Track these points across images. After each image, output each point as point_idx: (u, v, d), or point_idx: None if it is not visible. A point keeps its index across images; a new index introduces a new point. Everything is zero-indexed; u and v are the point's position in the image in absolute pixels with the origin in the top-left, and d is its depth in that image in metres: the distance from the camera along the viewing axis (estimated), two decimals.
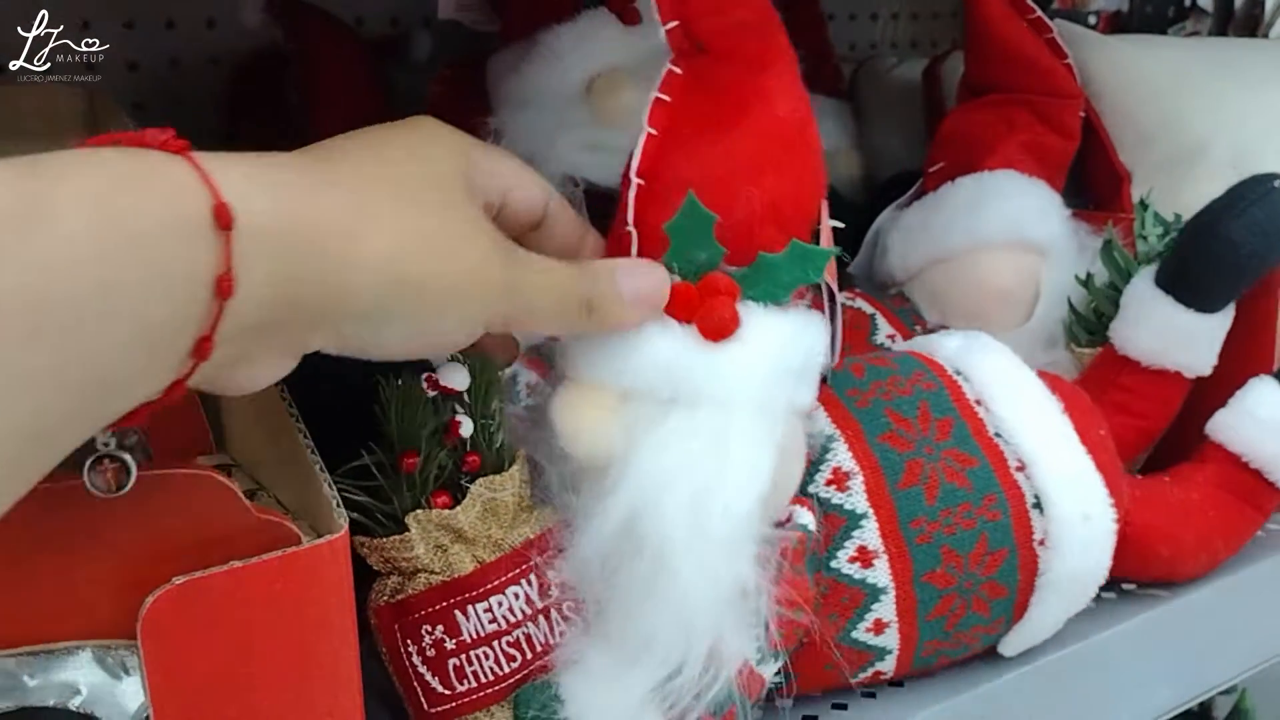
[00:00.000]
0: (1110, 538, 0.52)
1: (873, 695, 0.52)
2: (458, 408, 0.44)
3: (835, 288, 0.48)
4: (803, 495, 0.48)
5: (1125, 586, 0.60)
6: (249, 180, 0.30)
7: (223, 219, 0.29)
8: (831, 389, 0.51)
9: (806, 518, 0.47)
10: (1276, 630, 0.63)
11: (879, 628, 0.49)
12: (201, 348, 0.29)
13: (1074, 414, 0.53)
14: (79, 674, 0.34)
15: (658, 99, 0.43)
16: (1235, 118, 0.72)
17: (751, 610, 0.43)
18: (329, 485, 0.39)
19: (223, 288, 0.29)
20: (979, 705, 0.51)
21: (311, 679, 0.37)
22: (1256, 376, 0.62)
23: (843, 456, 0.49)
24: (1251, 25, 1.16)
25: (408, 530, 0.43)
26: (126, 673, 0.35)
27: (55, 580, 0.34)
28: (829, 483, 0.49)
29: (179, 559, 0.34)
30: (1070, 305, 0.66)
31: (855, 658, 0.50)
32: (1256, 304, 0.64)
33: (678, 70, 0.43)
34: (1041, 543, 0.50)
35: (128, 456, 0.34)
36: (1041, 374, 0.55)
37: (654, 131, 0.43)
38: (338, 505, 0.38)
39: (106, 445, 0.33)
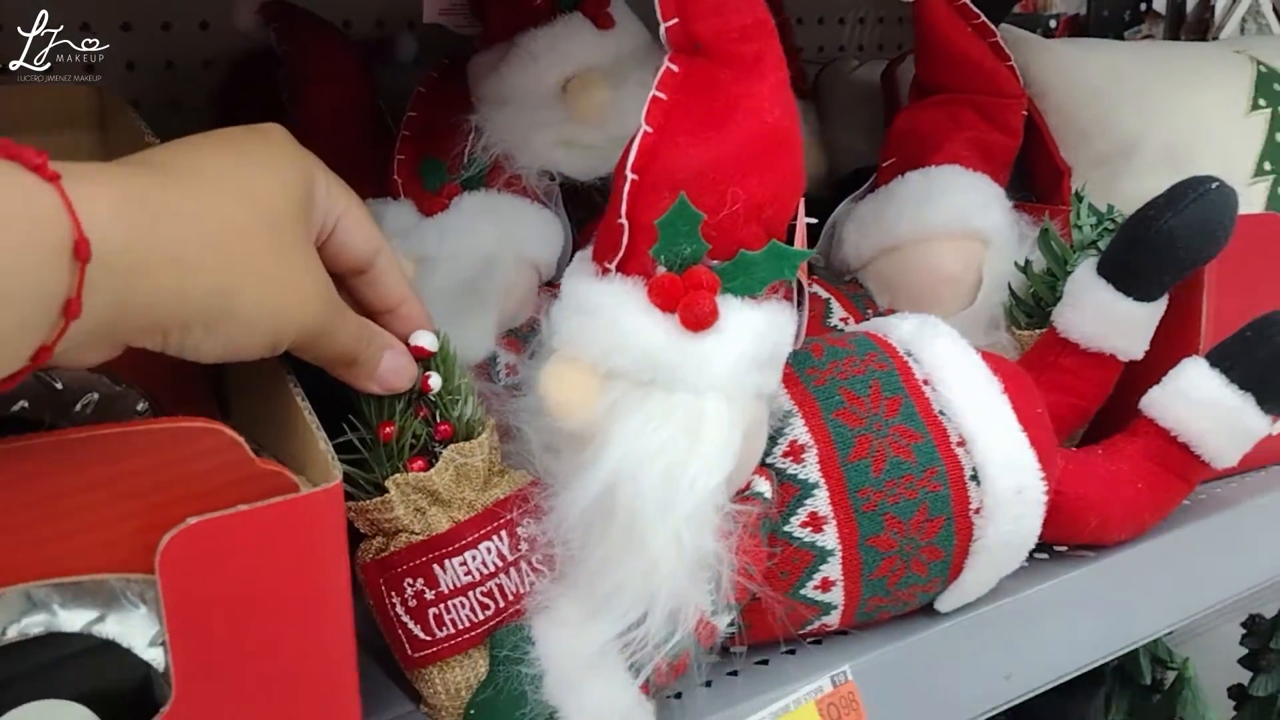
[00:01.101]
0: (1040, 508, 0.56)
1: (819, 643, 0.56)
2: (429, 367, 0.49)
3: (805, 283, 0.52)
4: (761, 466, 0.53)
5: (1057, 548, 0.65)
6: (108, 209, 0.33)
7: (81, 252, 0.32)
8: (792, 368, 0.55)
9: (764, 486, 0.52)
10: (1195, 589, 0.68)
11: (826, 585, 0.54)
12: (40, 356, 0.33)
13: (1013, 394, 0.57)
14: (102, 603, 0.38)
15: (655, 97, 0.46)
16: (1168, 117, 0.76)
17: (710, 571, 0.47)
18: (324, 441, 0.43)
19: (71, 310, 0.32)
20: (916, 652, 0.56)
21: (309, 610, 0.41)
22: (1189, 357, 0.66)
23: (799, 431, 0.54)
24: (1202, 29, 1.20)
25: (388, 493, 0.48)
26: (145, 603, 0.39)
27: (81, 520, 0.38)
28: (786, 455, 0.53)
29: (191, 502, 0.39)
30: (1011, 290, 0.70)
31: (804, 611, 0.54)
32: (1185, 293, 0.68)
33: (674, 69, 0.46)
34: (977, 511, 0.54)
35: None
36: (986, 356, 0.59)
37: (649, 129, 0.45)
38: (332, 458, 0.42)
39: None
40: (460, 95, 0.76)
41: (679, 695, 0.52)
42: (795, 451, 0.53)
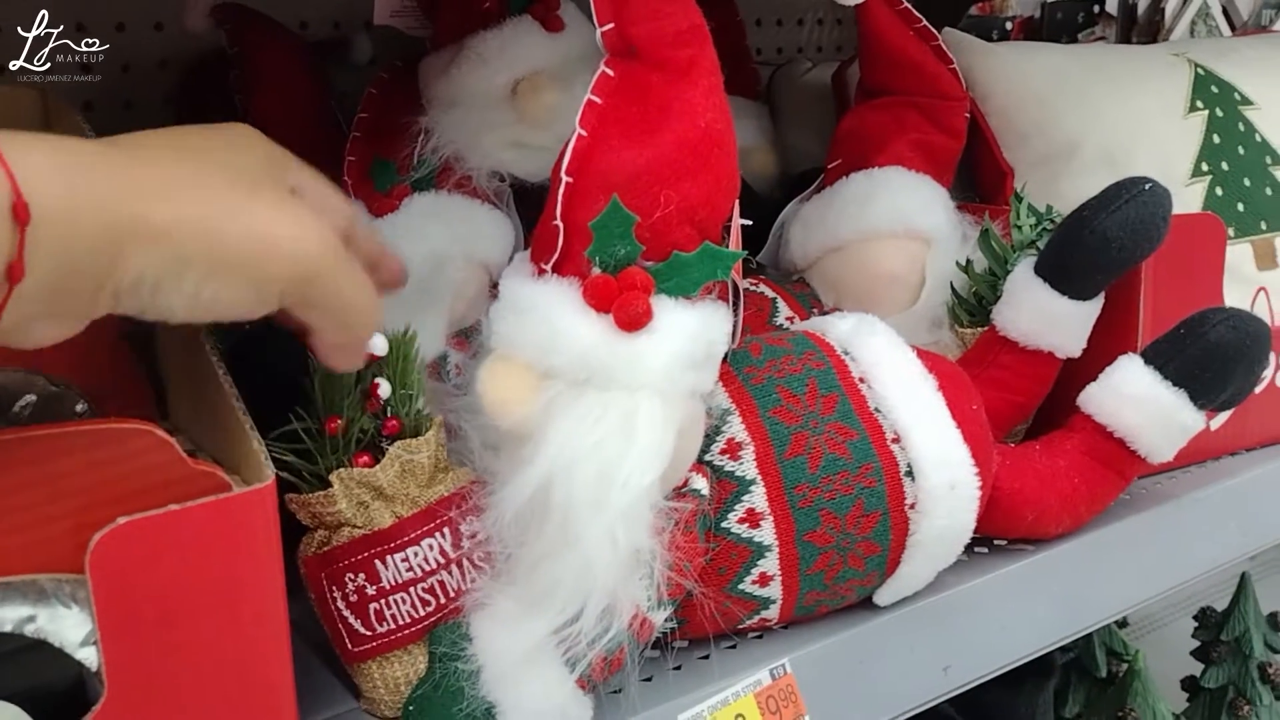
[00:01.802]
0: (974, 502, 0.57)
1: (760, 636, 0.57)
2: (378, 373, 0.49)
3: (740, 282, 0.53)
4: (699, 463, 0.53)
5: (996, 542, 0.66)
6: (47, 168, 0.32)
7: (20, 214, 0.31)
8: (731, 367, 0.56)
9: (701, 483, 0.53)
10: (1131, 583, 0.69)
11: (764, 580, 0.54)
12: None
13: (948, 391, 0.58)
14: (34, 602, 0.39)
15: (590, 101, 0.47)
16: (1107, 119, 0.78)
17: (645, 567, 0.48)
18: (258, 442, 0.43)
19: (13, 273, 0.32)
20: (854, 644, 0.57)
21: (241, 610, 0.42)
22: (1124, 354, 0.67)
23: (736, 429, 0.54)
24: (1153, 31, 1.22)
25: (331, 487, 0.48)
26: (76, 603, 0.39)
27: (13, 520, 0.38)
28: (723, 452, 0.54)
29: (123, 503, 0.39)
30: (953, 289, 0.72)
31: (743, 606, 0.55)
32: (1123, 292, 0.70)
33: (610, 73, 0.47)
34: (912, 506, 0.55)
35: None
36: (922, 354, 0.60)
37: (584, 133, 0.47)
38: (266, 459, 0.43)
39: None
40: (411, 96, 0.76)
41: (619, 690, 0.53)
42: (732, 449, 0.54)
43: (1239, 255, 0.77)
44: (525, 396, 0.46)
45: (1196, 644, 1.15)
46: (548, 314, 0.46)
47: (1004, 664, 0.63)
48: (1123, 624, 1.25)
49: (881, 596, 0.59)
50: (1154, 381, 0.63)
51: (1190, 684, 1.15)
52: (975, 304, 0.71)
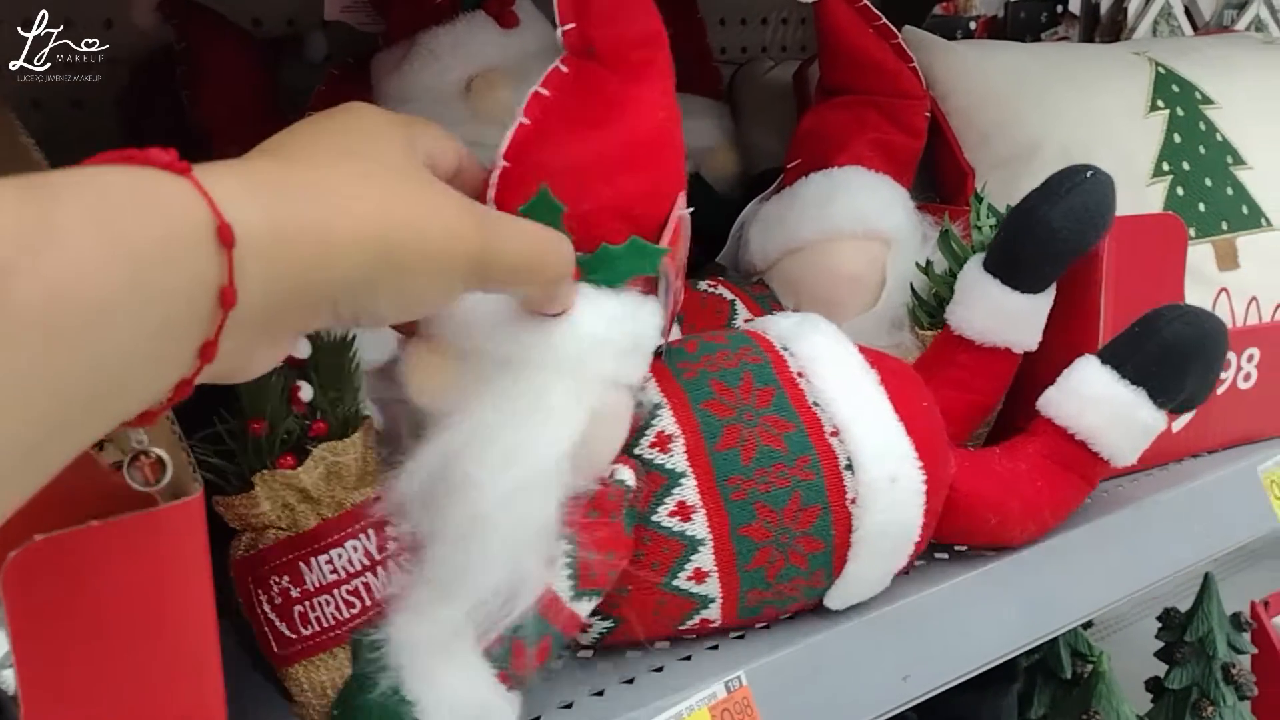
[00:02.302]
0: (918, 497, 0.56)
1: (715, 647, 0.56)
2: (304, 375, 0.49)
3: (672, 276, 0.52)
4: (628, 456, 0.53)
5: (958, 548, 0.65)
6: (240, 190, 0.32)
7: (225, 238, 0.31)
8: (665, 362, 0.56)
9: (626, 474, 0.52)
10: (1094, 588, 0.69)
11: (699, 576, 0.53)
12: (207, 351, 0.32)
13: (891, 386, 0.57)
14: None
15: (536, 92, 0.47)
16: (1067, 118, 0.77)
17: (557, 551, 0.48)
18: (186, 452, 0.42)
19: (226, 299, 0.32)
20: (811, 654, 0.56)
21: (167, 630, 0.40)
22: (1082, 356, 0.66)
23: (666, 422, 0.54)
24: (1116, 31, 1.22)
25: (254, 489, 0.47)
26: None
27: None
28: (652, 445, 0.54)
29: (41, 519, 0.37)
30: (913, 291, 0.71)
31: (680, 604, 0.54)
32: (1083, 294, 0.69)
33: (564, 69, 0.48)
34: (853, 501, 0.54)
35: (162, 453, 0.38)
36: (866, 351, 0.59)
37: (526, 121, 0.47)
38: (194, 470, 0.41)
39: (140, 443, 0.37)
40: (363, 93, 0.75)
41: (570, 705, 0.52)
42: (662, 441, 0.54)
43: (1200, 256, 0.77)
44: (444, 377, 0.46)
45: (1160, 644, 1.15)
46: (470, 297, 0.46)
47: (966, 671, 0.62)
48: (1087, 625, 1.25)
49: (833, 600, 0.57)
50: (1111, 380, 0.62)
51: (1154, 685, 1.14)
52: (936, 305, 0.70)
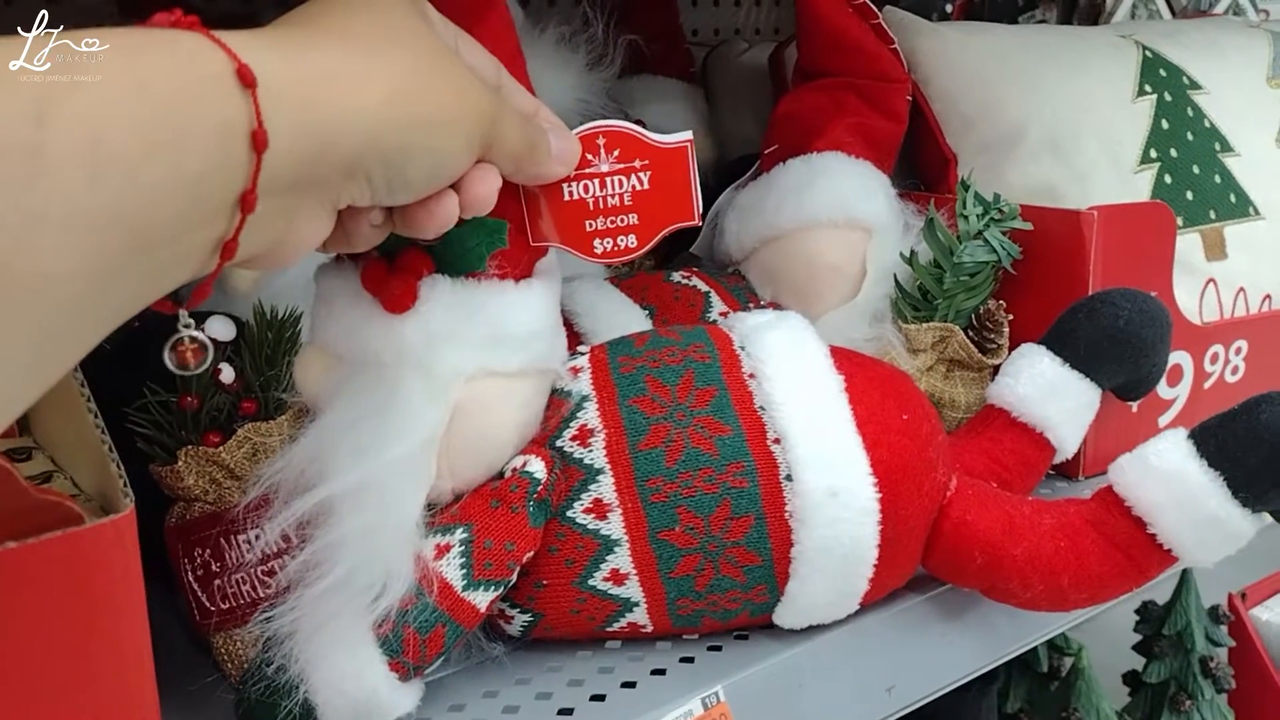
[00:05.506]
0: (866, 515, 0.51)
1: (663, 672, 0.53)
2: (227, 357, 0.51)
3: (555, 245, 0.50)
4: (547, 447, 0.51)
5: None
6: (258, 46, 0.32)
7: (246, 78, 0.31)
8: (606, 355, 0.54)
9: (536, 465, 0.50)
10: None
11: (618, 578, 0.51)
12: (247, 200, 0.32)
13: (860, 394, 0.53)
14: None
15: None
16: (1053, 103, 0.75)
17: (432, 542, 0.48)
18: (116, 465, 0.38)
19: (258, 141, 0.31)
20: (792, 668, 0.53)
21: (96, 652, 0.37)
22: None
23: (591, 416, 0.52)
24: (1094, 13, 1.20)
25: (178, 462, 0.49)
26: None
27: None
28: (574, 438, 0.52)
29: None
30: (896, 282, 0.68)
31: (601, 605, 0.52)
32: (1070, 285, 0.66)
33: None
34: (792, 515, 0.50)
35: (204, 336, 0.38)
36: (841, 353, 0.55)
37: None
38: (124, 486, 0.38)
39: (187, 326, 0.37)
40: None
41: None
42: (583, 435, 0.52)
43: (1188, 245, 0.75)
44: (319, 379, 0.47)
45: (1138, 638, 1.14)
46: (338, 301, 0.47)
47: (951, 681, 0.60)
48: None
49: (783, 619, 0.53)
50: (1185, 455, 0.52)
51: (1132, 678, 1.13)
52: (919, 297, 0.67)
